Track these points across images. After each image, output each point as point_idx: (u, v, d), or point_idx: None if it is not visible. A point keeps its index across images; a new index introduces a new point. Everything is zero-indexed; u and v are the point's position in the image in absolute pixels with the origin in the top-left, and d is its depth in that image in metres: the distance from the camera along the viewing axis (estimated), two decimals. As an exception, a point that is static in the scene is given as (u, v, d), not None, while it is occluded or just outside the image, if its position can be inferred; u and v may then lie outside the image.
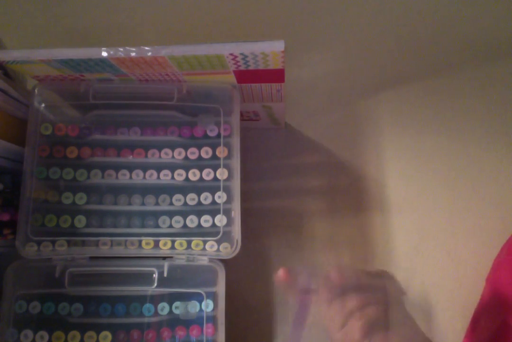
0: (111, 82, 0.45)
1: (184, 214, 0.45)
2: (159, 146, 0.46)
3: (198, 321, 0.43)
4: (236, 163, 0.44)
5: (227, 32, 0.62)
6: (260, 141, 0.59)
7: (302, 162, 0.59)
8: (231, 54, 0.37)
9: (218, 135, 0.45)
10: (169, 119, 0.46)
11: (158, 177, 0.45)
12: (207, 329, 0.43)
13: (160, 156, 0.45)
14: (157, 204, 0.45)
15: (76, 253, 0.44)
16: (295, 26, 0.62)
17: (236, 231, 0.43)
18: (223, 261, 0.44)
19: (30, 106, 0.45)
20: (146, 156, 0.45)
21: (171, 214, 0.45)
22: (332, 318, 0.34)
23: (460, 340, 0.52)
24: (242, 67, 0.40)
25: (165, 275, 0.44)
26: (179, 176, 0.45)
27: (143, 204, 0.45)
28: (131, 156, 0.46)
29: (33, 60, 0.40)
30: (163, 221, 0.44)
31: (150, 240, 0.44)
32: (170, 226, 0.44)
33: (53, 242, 0.43)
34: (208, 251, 0.43)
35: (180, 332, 0.43)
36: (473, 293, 0.53)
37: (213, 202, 0.44)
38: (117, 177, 0.45)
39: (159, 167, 0.45)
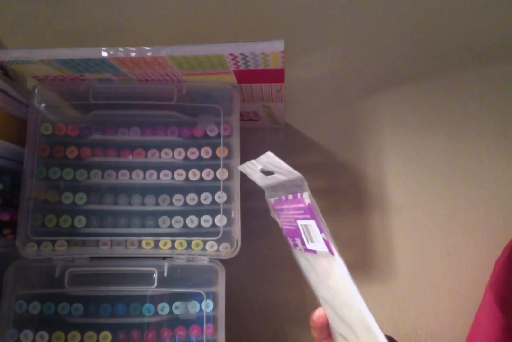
0: (111, 82, 0.45)
1: (184, 214, 0.45)
2: (159, 146, 0.46)
3: (198, 321, 0.43)
4: (236, 163, 0.44)
5: (227, 32, 0.62)
6: (260, 141, 0.59)
7: (302, 162, 0.59)
8: (231, 54, 0.37)
9: (218, 135, 0.45)
10: (169, 119, 0.46)
11: (158, 177, 0.45)
12: (207, 329, 0.43)
13: (160, 156, 0.45)
14: (157, 204, 0.45)
15: (76, 253, 0.43)
16: (295, 26, 0.62)
17: (236, 231, 0.43)
18: (223, 261, 0.44)
19: (30, 106, 0.45)
20: (146, 156, 0.45)
21: (171, 214, 0.45)
22: None
23: (461, 341, 0.52)
24: (242, 67, 0.40)
25: (165, 275, 0.44)
26: (179, 176, 0.45)
27: (143, 204, 0.45)
28: (131, 156, 0.45)
29: (33, 60, 0.40)
30: (163, 221, 0.44)
31: (150, 240, 0.44)
32: (170, 226, 0.44)
33: (53, 242, 0.43)
34: (208, 251, 0.43)
35: (180, 332, 0.43)
36: (473, 293, 0.53)
37: (213, 202, 0.44)
38: (117, 177, 0.45)
39: (159, 167, 0.45)
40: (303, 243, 0.34)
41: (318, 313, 0.34)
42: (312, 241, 0.33)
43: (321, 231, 0.31)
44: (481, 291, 0.50)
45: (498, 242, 0.53)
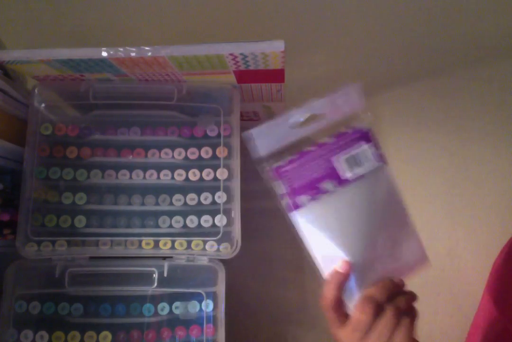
0: (111, 82, 0.45)
1: (184, 214, 0.45)
2: (159, 146, 0.46)
3: (198, 321, 0.43)
4: (236, 163, 0.44)
5: (227, 32, 0.62)
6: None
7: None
8: (231, 54, 0.37)
9: (218, 135, 0.45)
10: (169, 119, 0.46)
11: (158, 177, 0.45)
12: (207, 329, 0.43)
13: (160, 156, 0.45)
14: (157, 204, 0.45)
15: (76, 253, 0.43)
16: (295, 26, 0.62)
17: (236, 231, 0.43)
18: (223, 261, 0.44)
19: (30, 106, 0.45)
20: (146, 156, 0.45)
21: (171, 214, 0.45)
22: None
23: (460, 341, 0.52)
24: (242, 67, 0.40)
25: (165, 275, 0.44)
26: (179, 176, 0.45)
27: (143, 204, 0.45)
28: (131, 156, 0.45)
29: (33, 60, 0.40)
30: (163, 221, 0.44)
31: (150, 240, 0.44)
32: (170, 226, 0.44)
33: (53, 242, 0.43)
34: (208, 251, 0.43)
35: (180, 332, 0.43)
36: (472, 293, 0.53)
37: (213, 202, 0.44)
38: (117, 177, 0.45)
39: (159, 167, 0.45)
40: (340, 177, 0.35)
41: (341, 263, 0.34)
42: (360, 165, 0.35)
43: (377, 148, 0.35)
44: (480, 291, 0.50)
45: (498, 242, 0.53)
